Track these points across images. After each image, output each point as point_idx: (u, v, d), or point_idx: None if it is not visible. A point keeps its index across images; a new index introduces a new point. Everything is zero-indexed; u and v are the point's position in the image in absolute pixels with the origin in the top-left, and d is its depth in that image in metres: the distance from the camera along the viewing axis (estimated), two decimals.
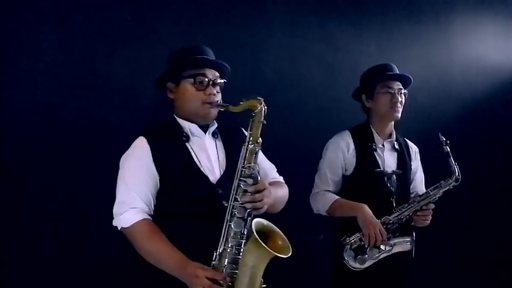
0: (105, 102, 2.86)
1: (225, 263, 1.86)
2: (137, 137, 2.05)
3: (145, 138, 2.03)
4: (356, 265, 2.58)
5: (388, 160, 2.73)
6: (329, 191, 2.69)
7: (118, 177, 2.02)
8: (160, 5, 3.01)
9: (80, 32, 2.83)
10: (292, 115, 3.20)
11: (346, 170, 2.71)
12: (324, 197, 2.68)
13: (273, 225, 1.90)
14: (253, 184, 1.90)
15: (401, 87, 2.71)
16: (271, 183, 2.15)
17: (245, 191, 1.89)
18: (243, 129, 2.16)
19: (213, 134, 2.13)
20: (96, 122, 2.82)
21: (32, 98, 2.73)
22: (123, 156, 2.05)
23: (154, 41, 2.95)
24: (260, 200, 1.89)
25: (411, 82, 2.77)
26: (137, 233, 1.95)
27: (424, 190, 2.80)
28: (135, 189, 1.97)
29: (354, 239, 2.59)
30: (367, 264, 2.58)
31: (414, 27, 3.74)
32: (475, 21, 3.91)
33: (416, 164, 2.86)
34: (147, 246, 1.94)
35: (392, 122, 2.77)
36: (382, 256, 2.59)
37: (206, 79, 2.05)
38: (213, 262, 1.87)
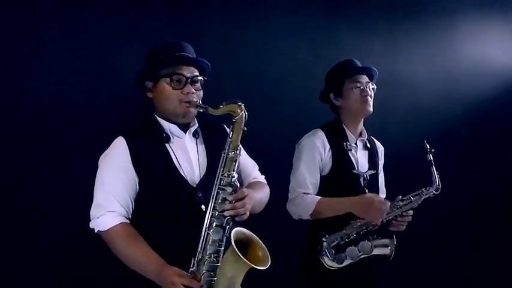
0: (109, 99, 2.84)
1: (204, 271, 1.82)
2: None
3: (124, 138, 1.97)
4: (333, 264, 2.48)
5: (361, 159, 2.64)
6: (308, 193, 2.54)
7: (96, 178, 1.98)
8: (164, 5, 2.99)
9: (83, 29, 2.82)
10: (298, 116, 3.15)
11: (322, 171, 2.59)
12: (305, 200, 2.51)
13: (253, 235, 1.86)
14: (232, 193, 1.86)
15: (369, 81, 2.63)
16: (251, 185, 2.12)
17: (224, 199, 1.85)
18: (225, 125, 2.09)
19: (194, 134, 2.06)
20: (100, 119, 2.80)
21: (34, 95, 2.74)
22: (101, 156, 2.00)
23: (157, 39, 2.87)
24: (241, 208, 1.85)
25: (377, 75, 2.68)
26: (115, 237, 1.91)
27: (385, 190, 2.76)
28: (112, 191, 1.93)
29: (334, 237, 2.49)
30: (344, 263, 2.49)
31: (420, 30, 3.70)
32: (481, 22, 3.85)
33: (381, 164, 2.79)
34: (125, 250, 1.90)
35: (363, 120, 2.68)
36: (361, 257, 2.50)
37: (183, 77, 1.96)
38: (191, 269, 1.84)
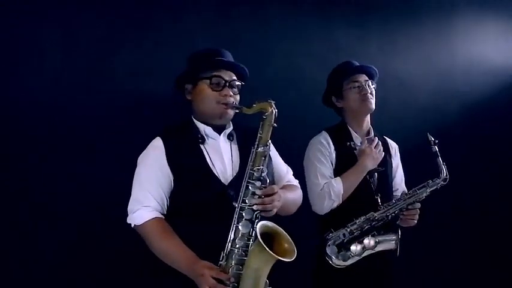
0: (108, 102, 2.87)
1: (232, 264, 1.88)
2: (147, 137, 2.11)
3: (162, 138, 2.09)
4: (339, 262, 2.49)
5: None
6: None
7: (134, 175, 2.09)
8: (163, 6, 3.03)
9: (83, 32, 2.85)
10: (293, 116, 3.11)
11: None
12: (332, 186, 2.53)
13: (279, 228, 1.90)
14: (262, 187, 1.92)
15: (368, 79, 2.67)
16: (284, 187, 2.17)
17: (253, 194, 1.91)
18: None
19: (229, 137, 2.16)
20: (98, 122, 2.83)
21: (34, 98, 2.74)
22: (140, 155, 2.11)
23: (157, 41, 2.97)
24: (269, 203, 1.91)
25: (377, 73, 2.72)
26: (149, 231, 2.00)
27: (405, 188, 2.74)
28: (148, 188, 2.03)
29: (337, 234, 2.51)
30: (350, 261, 2.49)
31: (416, 29, 3.71)
32: (477, 22, 3.86)
33: (396, 162, 2.80)
34: (159, 244, 1.98)
35: (368, 118, 2.71)
36: (365, 253, 2.50)
37: (222, 80, 2.09)
38: (220, 262, 1.90)
